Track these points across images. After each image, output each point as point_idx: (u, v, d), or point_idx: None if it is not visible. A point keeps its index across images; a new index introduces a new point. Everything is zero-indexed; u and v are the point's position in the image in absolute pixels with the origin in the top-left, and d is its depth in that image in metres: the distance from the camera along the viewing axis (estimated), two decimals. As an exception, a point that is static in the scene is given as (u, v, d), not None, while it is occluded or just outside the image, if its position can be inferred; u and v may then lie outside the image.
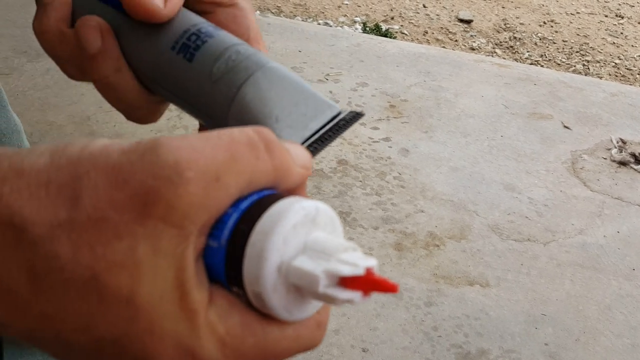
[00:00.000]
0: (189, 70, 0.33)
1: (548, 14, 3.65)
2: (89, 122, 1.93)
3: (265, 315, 0.24)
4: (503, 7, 3.67)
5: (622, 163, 1.97)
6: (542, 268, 1.59)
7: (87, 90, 2.09)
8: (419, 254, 1.59)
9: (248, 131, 0.24)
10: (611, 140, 2.08)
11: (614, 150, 2.02)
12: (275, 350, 0.25)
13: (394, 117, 2.11)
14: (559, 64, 3.18)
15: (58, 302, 0.22)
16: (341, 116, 0.34)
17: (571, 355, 1.37)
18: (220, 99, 0.32)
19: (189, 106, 0.35)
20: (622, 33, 3.52)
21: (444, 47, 3.19)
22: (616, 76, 3.12)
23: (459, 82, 2.35)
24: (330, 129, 0.34)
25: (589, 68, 3.17)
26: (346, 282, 0.23)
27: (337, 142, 1.96)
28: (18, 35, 2.36)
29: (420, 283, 1.51)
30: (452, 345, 1.37)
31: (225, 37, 0.34)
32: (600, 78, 3.05)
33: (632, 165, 1.96)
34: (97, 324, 0.22)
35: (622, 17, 3.70)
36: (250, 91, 0.32)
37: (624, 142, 2.06)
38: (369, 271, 0.23)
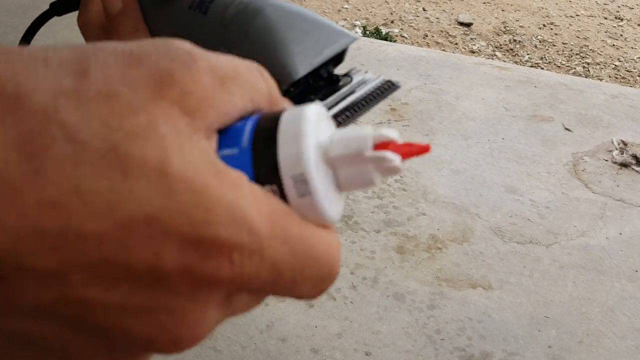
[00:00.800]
0: (204, 22, 0.34)
1: (547, 16, 3.66)
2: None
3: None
4: (503, 10, 3.68)
5: (624, 165, 1.97)
6: (545, 270, 1.58)
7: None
8: (421, 257, 1.59)
9: (249, 62, 0.23)
10: (612, 142, 2.08)
11: (615, 152, 2.02)
12: (318, 248, 0.22)
13: (395, 121, 2.11)
14: (559, 67, 3.19)
15: (65, 183, 0.18)
16: (374, 84, 0.34)
17: (575, 357, 1.37)
18: (233, 39, 0.33)
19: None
20: (621, 35, 3.53)
21: (444, 50, 3.20)
22: (616, 78, 3.12)
23: (459, 85, 2.35)
24: (363, 99, 0.34)
25: (589, 70, 3.17)
26: (382, 145, 0.22)
27: (338, 145, 1.96)
28: (19, 40, 2.36)
29: (422, 286, 1.51)
30: (455, 349, 1.37)
31: None
32: (601, 80, 3.06)
33: (634, 167, 1.96)
34: (124, 202, 0.18)
35: (622, 20, 3.70)
36: (260, 25, 0.32)
37: (625, 144, 2.06)
38: (398, 138, 0.23)
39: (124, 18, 0.38)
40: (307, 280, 0.22)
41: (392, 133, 0.22)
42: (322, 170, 0.22)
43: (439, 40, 3.32)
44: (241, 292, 0.21)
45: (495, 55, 3.24)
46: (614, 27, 3.62)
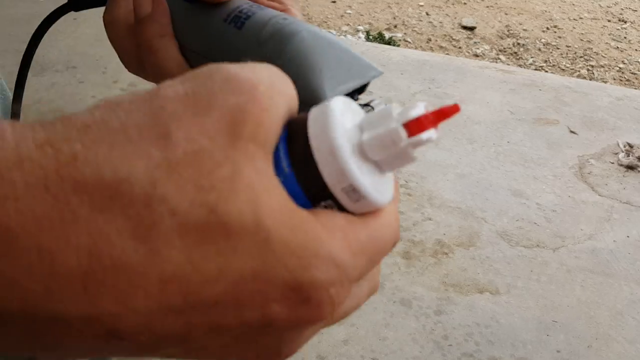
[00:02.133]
0: (239, 37, 0.36)
1: (551, 19, 3.65)
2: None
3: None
4: (506, 14, 3.68)
5: (630, 167, 1.96)
6: (552, 274, 1.57)
7: (92, 104, 2.10)
8: (428, 262, 1.58)
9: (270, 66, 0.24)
10: (618, 145, 2.07)
11: (621, 155, 2.01)
12: (382, 240, 0.24)
13: (399, 125, 2.10)
14: (563, 70, 3.18)
15: (178, 256, 0.19)
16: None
17: (584, 362, 1.36)
18: (267, 57, 0.33)
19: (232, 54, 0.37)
20: (625, 37, 3.52)
21: (447, 54, 3.19)
22: (621, 80, 3.11)
23: (463, 88, 2.34)
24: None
25: (593, 73, 3.16)
26: (414, 127, 0.23)
27: (342, 150, 1.95)
28: (23, 50, 2.37)
29: (429, 292, 1.50)
30: (463, 354, 1.35)
31: (272, 10, 0.37)
32: (605, 83, 3.04)
33: (640, 169, 1.95)
34: (231, 262, 0.20)
35: (625, 22, 3.69)
36: (296, 48, 0.34)
37: (630, 146, 2.04)
38: (425, 109, 0.24)
39: (152, 22, 0.38)
40: (375, 275, 0.26)
41: (419, 110, 0.23)
42: (365, 170, 0.23)
43: (443, 44, 3.32)
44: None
45: (499, 58, 3.24)
46: (618, 29, 3.61)
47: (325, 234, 0.22)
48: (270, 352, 0.23)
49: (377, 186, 0.24)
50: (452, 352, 1.36)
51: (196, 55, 0.38)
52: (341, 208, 0.23)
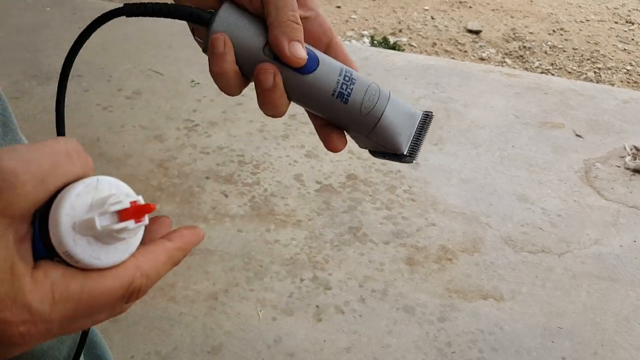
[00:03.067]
0: (345, 109, 0.49)
1: (557, 22, 3.63)
2: (98, 143, 1.94)
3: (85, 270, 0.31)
4: (512, 17, 3.66)
5: (636, 170, 1.94)
6: (557, 280, 1.56)
7: (96, 112, 2.11)
8: (431, 268, 1.57)
9: (64, 143, 0.31)
10: (624, 148, 2.05)
11: (627, 158, 1.99)
12: (98, 289, 0.31)
13: (403, 130, 2.09)
14: (569, 72, 3.16)
15: None
16: (419, 118, 0.51)
17: (589, 369, 1.34)
18: (367, 125, 0.50)
19: (341, 125, 0.51)
20: (632, 39, 3.49)
21: (453, 58, 3.18)
22: (628, 82, 3.08)
23: (468, 92, 2.33)
24: (418, 132, 0.51)
25: (600, 75, 3.13)
26: (122, 216, 0.31)
27: (345, 156, 1.95)
28: (29, 59, 2.39)
29: (433, 298, 1.49)
30: (467, 361, 1.34)
31: (359, 79, 0.49)
32: (612, 85, 3.02)
33: (647, 173, 1.93)
34: None
35: (633, 23, 3.67)
36: (386, 120, 0.50)
37: (637, 149, 2.02)
38: (132, 203, 0.31)
39: (274, 91, 0.47)
40: (101, 311, 0.33)
41: (121, 205, 0.31)
42: (80, 241, 0.31)
43: (448, 48, 3.31)
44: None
45: (505, 62, 3.22)
46: (625, 31, 3.58)
47: (28, 285, 0.30)
48: None
49: (94, 253, 0.31)
50: (456, 359, 1.34)
51: (311, 111, 0.51)
52: (68, 263, 0.31)
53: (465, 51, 3.30)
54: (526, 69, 3.15)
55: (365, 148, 0.52)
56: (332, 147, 0.51)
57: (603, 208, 1.80)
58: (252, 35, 0.47)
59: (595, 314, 1.47)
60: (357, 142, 0.52)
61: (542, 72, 3.12)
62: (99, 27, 0.48)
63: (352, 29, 3.41)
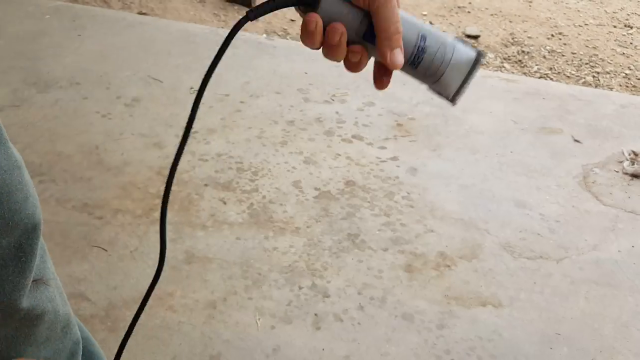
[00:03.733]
0: (414, 71, 0.60)
1: (556, 26, 3.63)
2: (97, 151, 1.94)
3: None
4: (510, 22, 3.66)
5: (635, 175, 1.94)
6: (556, 286, 1.56)
7: (95, 120, 2.11)
8: (430, 275, 1.57)
9: None
10: (623, 153, 2.05)
11: (625, 163, 1.99)
12: None
13: (402, 136, 2.09)
14: (568, 77, 3.16)
15: None
16: (471, 64, 0.59)
17: (588, 376, 1.34)
18: (429, 81, 0.60)
19: (415, 73, 0.60)
20: (631, 43, 3.49)
21: (451, 63, 3.18)
22: (627, 87, 3.09)
23: (466, 98, 2.33)
24: (466, 78, 0.59)
25: (599, 79, 3.14)
26: None
27: (344, 162, 1.95)
28: (28, 67, 2.39)
29: (431, 305, 1.49)
30: (465, 369, 1.34)
31: (430, 46, 0.58)
32: (611, 89, 3.02)
33: (646, 178, 1.93)
34: None
35: (631, 27, 3.67)
36: (445, 79, 0.59)
37: (636, 154, 2.03)
38: None
39: (339, 47, 0.58)
40: None
41: None
42: None
43: (447, 54, 3.31)
44: None
45: (503, 66, 3.22)
46: (624, 35, 3.58)
47: None
48: None
49: None
50: (454, 366, 1.34)
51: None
52: None
53: (464, 56, 3.30)
54: (525, 73, 3.15)
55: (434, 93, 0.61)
56: (380, 87, 0.62)
57: (601, 213, 1.80)
58: (352, 22, 0.57)
59: (594, 320, 1.47)
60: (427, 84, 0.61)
61: (540, 77, 3.12)
62: (233, 37, 0.57)
63: (351, 35, 3.41)
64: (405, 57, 0.57)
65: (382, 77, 0.61)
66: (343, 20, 0.57)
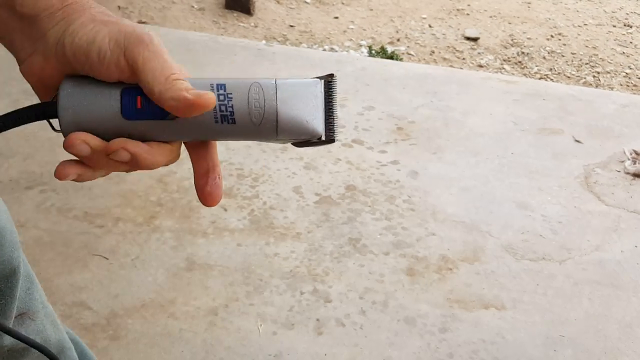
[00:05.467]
0: (237, 129, 0.44)
1: (555, 27, 3.63)
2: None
3: None
4: (509, 23, 3.66)
5: (637, 175, 1.93)
6: (559, 287, 1.55)
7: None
8: (432, 278, 1.57)
9: None
10: (624, 152, 2.04)
11: (627, 162, 1.98)
12: None
13: (402, 140, 2.09)
14: (568, 77, 3.16)
15: None
16: (322, 91, 0.46)
17: (593, 377, 1.33)
18: (269, 131, 0.44)
19: (243, 140, 0.47)
20: (631, 42, 3.49)
21: (451, 65, 3.19)
22: (627, 86, 3.08)
23: (466, 100, 2.33)
24: (327, 107, 0.45)
25: (599, 79, 3.13)
26: None
27: (344, 167, 1.95)
28: (28, 77, 2.40)
29: (434, 308, 1.48)
30: (469, 372, 1.33)
31: (235, 88, 0.44)
32: (612, 89, 3.02)
33: (647, 177, 1.92)
34: None
35: (631, 27, 3.67)
36: (285, 118, 0.44)
37: (637, 154, 2.02)
38: None
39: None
40: None
41: None
42: None
43: (446, 56, 3.31)
44: None
45: (503, 68, 3.22)
46: (623, 34, 3.58)
47: None
48: None
49: None
50: (458, 370, 1.34)
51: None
52: None
53: (464, 58, 3.30)
54: (525, 74, 3.15)
55: (284, 144, 0.49)
56: (209, 201, 0.46)
57: (604, 213, 1.80)
58: (106, 108, 0.44)
59: (598, 321, 1.46)
60: (276, 143, 0.49)
61: (540, 78, 3.12)
62: None
63: (350, 39, 3.42)
64: (209, 115, 0.43)
65: (204, 178, 0.46)
66: (99, 108, 0.44)
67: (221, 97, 0.43)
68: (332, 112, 0.45)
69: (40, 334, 0.77)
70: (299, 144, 0.46)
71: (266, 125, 0.44)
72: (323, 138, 0.45)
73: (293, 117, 0.44)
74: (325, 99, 0.45)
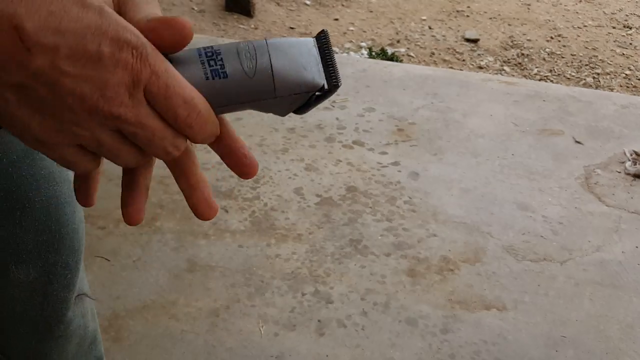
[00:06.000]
0: (231, 84, 0.41)
1: (555, 28, 3.64)
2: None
3: None
4: (509, 25, 3.67)
5: (637, 176, 1.94)
6: (560, 288, 1.55)
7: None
8: (433, 279, 1.57)
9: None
10: (624, 153, 2.04)
11: (627, 163, 1.99)
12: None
13: (402, 141, 2.09)
14: (568, 78, 3.16)
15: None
16: (315, 44, 0.43)
17: (594, 378, 1.33)
18: (266, 84, 0.41)
19: (242, 105, 0.43)
20: (631, 44, 3.49)
21: (451, 67, 3.19)
22: (627, 87, 3.09)
23: (467, 102, 2.34)
24: (324, 57, 0.43)
25: (599, 81, 3.14)
26: None
27: (345, 169, 1.95)
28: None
29: (435, 310, 1.48)
30: (471, 373, 1.34)
31: (222, 46, 0.41)
32: (612, 90, 3.02)
33: (648, 178, 1.93)
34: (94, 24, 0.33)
35: (630, 28, 3.67)
36: (280, 67, 0.41)
37: (637, 154, 2.02)
38: None
39: None
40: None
41: None
42: None
43: (446, 58, 3.32)
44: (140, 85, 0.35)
45: (503, 69, 3.23)
46: (623, 36, 3.59)
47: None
48: (100, 87, 0.34)
49: None
50: (460, 371, 1.34)
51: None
52: None
53: (464, 60, 3.30)
54: (525, 76, 3.15)
55: (292, 111, 0.44)
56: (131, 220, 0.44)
57: (604, 214, 1.80)
58: None
59: (599, 322, 1.46)
60: (279, 113, 0.45)
61: (540, 79, 3.12)
62: None
63: (350, 41, 3.42)
64: (198, 74, 0.40)
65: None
66: None
67: (209, 55, 0.41)
68: (331, 62, 0.43)
69: (84, 318, 0.78)
70: (303, 107, 0.43)
71: (262, 77, 0.41)
72: (326, 86, 0.42)
73: (289, 65, 0.41)
74: (320, 53, 0.43)
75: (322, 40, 0.43)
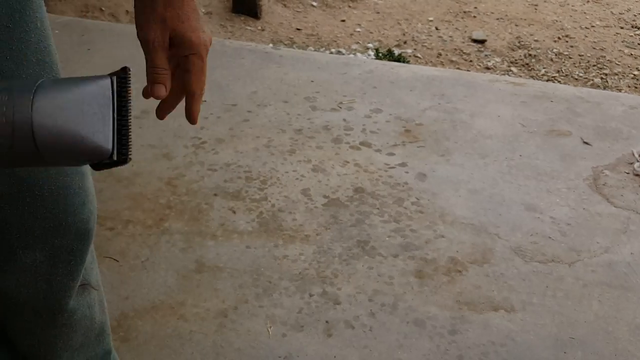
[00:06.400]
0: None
1: (562, 29, 3.63)
2: (107, 163, 1.96)
3: None
4: (516, 25, 3.66)
5: (646, 177, 1.93)
6: (568, 289, 1.55)
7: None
8: (441, 280, 1.57)
9: None
10: (633, 154, 2.04)
11: (636, 164, 1.98)
12: None
13: (410, 142, 2.09)
14: (576, 79, 3.15)
15: None
16: (108, 87, 0.33)
17: (603, 379, 1.33)
18: (26, 153, 0.30)
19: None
20: (639, 44, 3.48)
21: (458, 68, 3.19)
22: (635, 88, 3.07)
23: (474, 103, 2.33)
24: (119, 110, 0.32)
25: (607, 81, 3.13)
26: None
27: (352, 170, 1.96)
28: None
29: (443, 311, 1.48)
30: (479, 374, 1.33)
31: None
32: (620, 90, 3.01)
33: (657, 179, 1.92)
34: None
35: (638, 28, 3.66)
36: (43, 132, 0.29)
37: (646, 156, 2.01)
38: None
39: None
40: None
41: None
42: None
43: (453, 59, 3.32)
44: None
45: (510, 70, 3.22)
46: (631, 36, 3.57)
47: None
48: None
49: None
50: (468, 372, 1.34)
51: None
52: None
53: (471, 61, 3.30)
54: (532, 77, 3.15)
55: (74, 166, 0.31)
56: None
57: (613, 215, 1.79)
58: None
59: (608, 324, 1.46)
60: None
61: (548, 80, 3.11)
62: None
63: (357, 42, 3.42)
64: None
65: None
66: None
67: None
68: (126, 120, 0.31)
69: (91, 309, 0.79)
70: (94, 165, 0.33)
71: (21, 144, 0.30)
72: (114, 158, 0.32)
73: (59, 130, 0.30)
74: (116, 103, 0.33)
75: (123, 83, 0.33)
